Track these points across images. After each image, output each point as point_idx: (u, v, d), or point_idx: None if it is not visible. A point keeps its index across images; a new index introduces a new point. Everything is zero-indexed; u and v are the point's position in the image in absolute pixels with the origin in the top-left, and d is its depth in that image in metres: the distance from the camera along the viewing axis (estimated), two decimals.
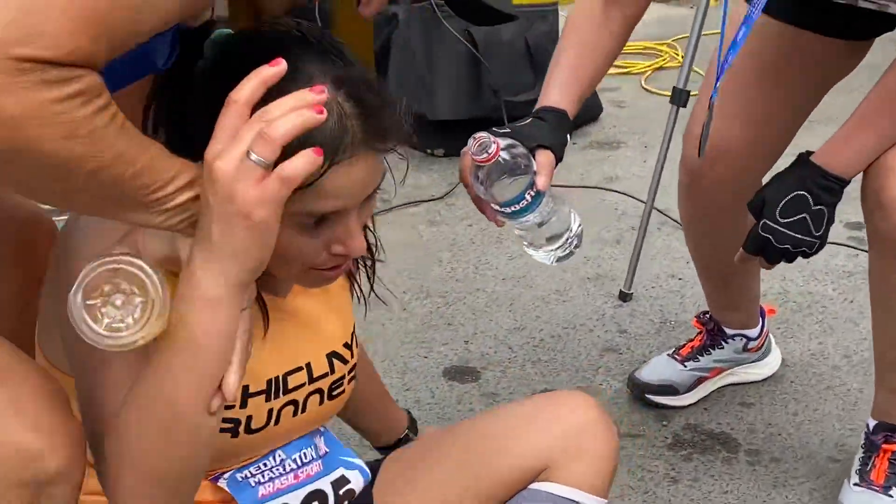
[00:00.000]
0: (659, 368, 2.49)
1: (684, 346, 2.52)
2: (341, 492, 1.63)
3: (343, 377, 1.61)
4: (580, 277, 3.06)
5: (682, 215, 2.31)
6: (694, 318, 2.54)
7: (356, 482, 1.65)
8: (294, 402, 1.55)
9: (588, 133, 4.10)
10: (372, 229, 1.59)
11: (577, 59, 1.88)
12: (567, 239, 1.76)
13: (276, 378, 1.52)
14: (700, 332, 2.52)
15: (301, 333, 1.56)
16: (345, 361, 1.61)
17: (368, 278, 1.65)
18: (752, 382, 2.57)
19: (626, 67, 4.76)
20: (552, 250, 1.77)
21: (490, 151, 1.63)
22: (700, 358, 2.49)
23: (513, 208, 1.68)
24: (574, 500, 1.69)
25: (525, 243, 1.77)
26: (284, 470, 1.59)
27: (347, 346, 1.62)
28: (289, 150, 1.23)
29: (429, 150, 3.80)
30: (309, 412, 1.58)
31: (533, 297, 2.95)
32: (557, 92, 1.84)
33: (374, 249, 1.64)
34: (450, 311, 2.89)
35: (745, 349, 2.51)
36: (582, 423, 1.70)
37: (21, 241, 1.60)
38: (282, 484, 1.58)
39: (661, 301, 2.94)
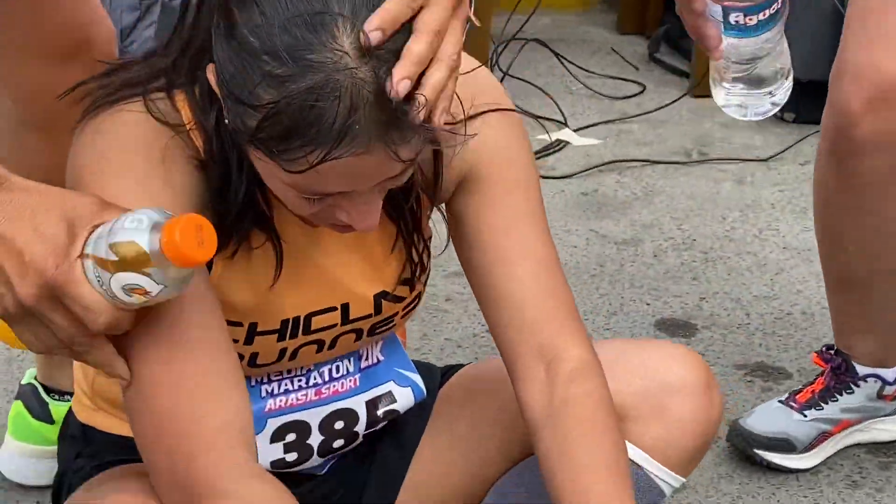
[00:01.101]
0: (770, 416, 1.93)
1: (801, 390, 1.95)
2: (380, 412, 1.40)
3: (394, 315, 1.36)
4: None
5: (815, 187, 1.79)
6: (814, 354, 1.97)
7: (403, 402, 1.41)
8: (318, 342, 1.33)
9: None
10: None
11: None
12: (783, 76, 1.41)
13: (296, 318, 1.30)
14: (822, 373, 1.94)
15: (343, 271, 1.32)
16: (399, 300, 1.36)
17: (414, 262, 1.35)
18: (883, 442, 1.98)
19: None
20: (769, 92, 1.41)
21: None
22: (823, 405, 1.92)
23: (760, 16, 1.33)
24: (636, 464, 1.38)
25: (735, 100, 1.42)
26: (306, 384, 1.37)
27: (407, 281, 1.36)
28: (270, 126, 1.03)
29: (778, 114, 3.42)
30: (340, 347, 1.36)
31: (806, 272, 2.55)
32: None
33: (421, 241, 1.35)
34: (703, 267, 2.56)
35: (879, 395, 1.92)
36: (672, 381, 1.39)
37: (81, 40, 1.53)
38: (297, 400, 1.36)
39: None
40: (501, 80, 3.41)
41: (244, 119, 1.06)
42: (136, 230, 1.03)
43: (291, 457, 1.37)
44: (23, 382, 1.82)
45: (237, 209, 1.18)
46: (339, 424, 1.38)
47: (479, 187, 1.32)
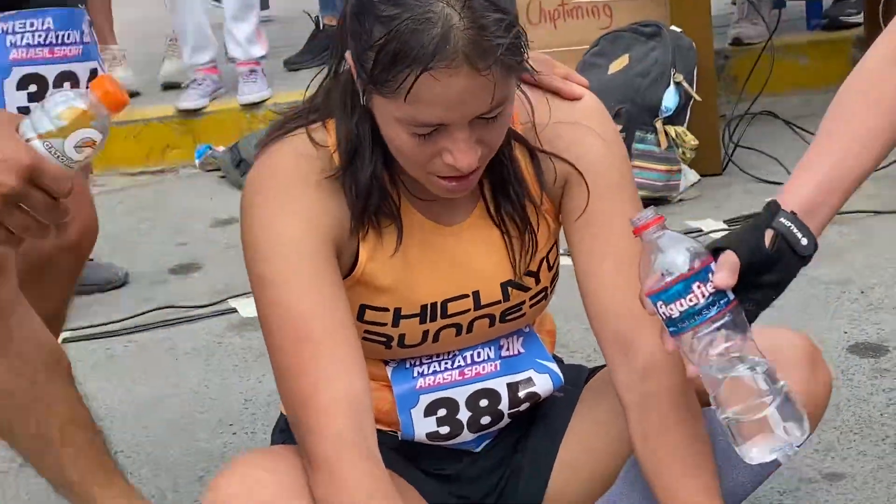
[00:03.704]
0: None
1: None
2: (521, 394, 1.64)
3: (522, 303, 1.61)
4: None
5: None
6: None
7: (542, 386, 1.66)
8: (456, 325, 1.59)
9: None
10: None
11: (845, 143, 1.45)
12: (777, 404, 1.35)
13: (434, 304, 1.56)
14: None
15: (472, 261, 1.57)
16: (525, 289, 1.60)
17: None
18: None
19: None
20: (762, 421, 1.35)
21: (648, 216, 1.36)
22: None
23: (678, 305, 1.33)
24: None
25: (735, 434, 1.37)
26: (452, 365, 1.63)
27: (532, 273, 1.60)
28: (383, 56, 1.33)
29: None
30: (476, 333, 1.62)
31: None
32: (796, 185, 1.44)
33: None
34: None
35: None
36: (777, 356, 1.49)
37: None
38: (444, 379, 1.63)
39: None
40: (733, 152, 3.63)
41: (365, 64, 1.37)
42: (68, 100, 1.32)
43: (444, 430, 1.64)
44: None
45: (366, 186, 1.48)
46: (483, 402, 1.64)
47: (576, 191, 1.58)
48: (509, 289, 1.60)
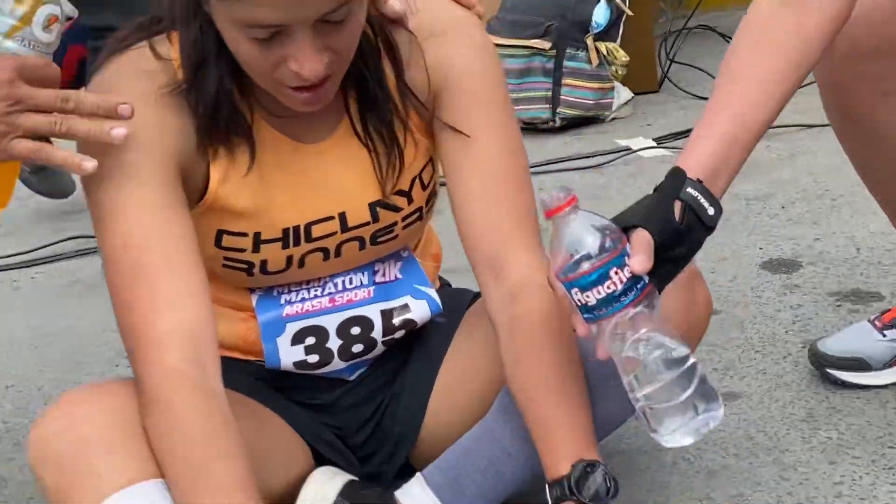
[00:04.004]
0: (849, 337, 1.95)
1: (889, 310, 1.94)
2: (396, 321, 1.58)
3: (393, 224, 1.55)
4: None
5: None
6: None
7: (419, 313, 1.60)
8: (323, 249, 1.53)
9: None
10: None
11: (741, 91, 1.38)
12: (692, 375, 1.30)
13: (296, 227, 1.50)
14: None
15: (336, 182, 1.50)
16: (396, 210, 1.54)
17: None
18: None
19: None
20: (680, 402, 1.30)
21: (561, 198, 1.29)
22: None
23: (595, 293, 1.28)
24: None
25: (651, 421, 1.32)
26: (322, 293, 1.57)
27: (404, 193, 1.53)
28: None
29: None
30: (346, 257, 1.55)
31: None
32: (698, 147, 1.36)
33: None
34: (827, 212, 2.61)
35: None
36: None
37: None
38: (313, 306, 1.56)
39: None
40: (668, 68, 3.56)
41: None
42: None
43: (313, 358, 1.58)
44: None
45: (213, 101, 1.40)
46: (355, 330, 1.57)
47: (445, 104, 1.50)
48: (378, 209, 1.53)
